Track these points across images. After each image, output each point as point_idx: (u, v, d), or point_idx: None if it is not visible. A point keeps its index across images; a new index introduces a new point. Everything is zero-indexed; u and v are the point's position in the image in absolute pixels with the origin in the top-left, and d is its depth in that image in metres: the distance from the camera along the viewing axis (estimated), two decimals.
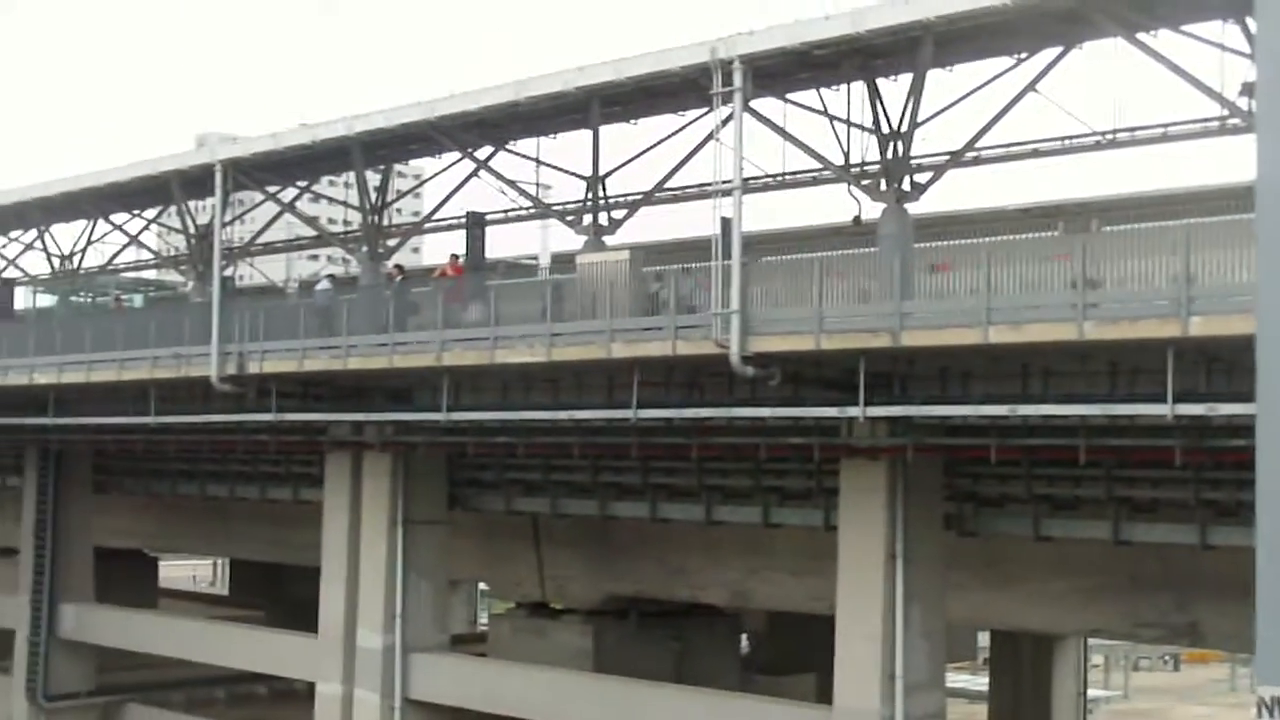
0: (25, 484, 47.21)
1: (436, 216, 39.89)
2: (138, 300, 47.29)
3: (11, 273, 49.98)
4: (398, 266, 35.16)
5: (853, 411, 24.82)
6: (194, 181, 37.46)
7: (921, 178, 26.55)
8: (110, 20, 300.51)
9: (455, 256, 33.14)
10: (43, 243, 46.94)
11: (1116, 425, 23.68)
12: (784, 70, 26.28)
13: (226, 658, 43.56)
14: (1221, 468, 24.38)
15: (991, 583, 30.69)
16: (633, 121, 31.65)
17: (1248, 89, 22.16)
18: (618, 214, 32.01)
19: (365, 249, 35.27)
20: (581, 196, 32.39)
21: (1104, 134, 28.10)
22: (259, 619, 51.22)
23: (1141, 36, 23.10)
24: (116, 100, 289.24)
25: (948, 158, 27.41)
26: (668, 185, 32.46)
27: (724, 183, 25.33)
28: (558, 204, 35.09)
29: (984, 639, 51.03)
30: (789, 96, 27.80)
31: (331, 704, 36.28)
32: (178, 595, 62.01)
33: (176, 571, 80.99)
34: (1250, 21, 21.06)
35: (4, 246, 48.97)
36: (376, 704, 35.18)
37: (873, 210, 26.60)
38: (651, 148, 32.24)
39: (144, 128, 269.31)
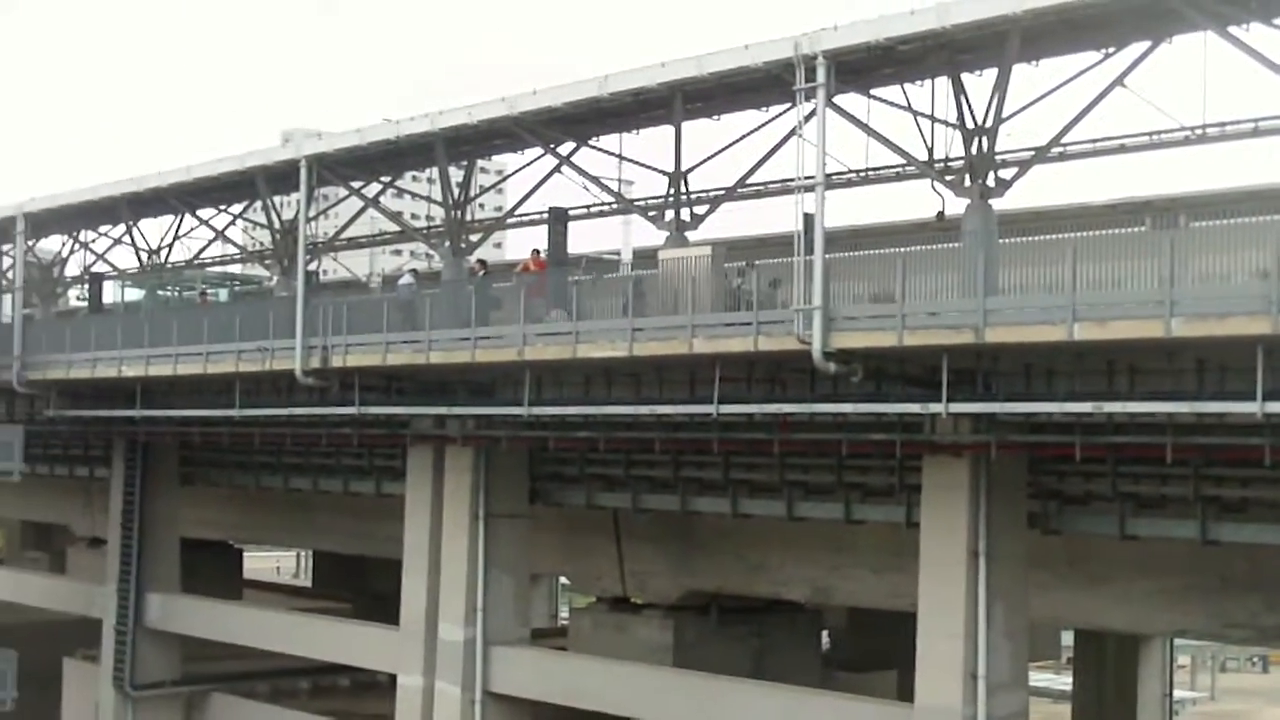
0: (113, 475, 47.79)
1: (519, 212, 40.05)
2: (223, 295, 47.83)
3: (100, 267, 50.65)
4: (480, 261, 35.27)
5: (935, 408, 24.71)
6: (279, 177, 37.86)
7: (1006, 173, 26.33)
8: (201, 18, 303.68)
9: (537, 252, 33.24)
10: (131, 238, 47.49)
11: (1204, 423, 23.42)
12: (868, 65, 26.15)
13: (309, 649, 43.96)
14: None
15: (1075, 582, 30.39)
16: (715, 117, 31.59)
17: None
18: (700, 210, 31.99)
19: (448, 244, 35.42)
20: (664, 192, 32.38)
21: (1193, 129, 27.73)
22: (342, 611, 51.57)
23: (1232, 30, 22.80)
24: (204, 97, 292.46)
25: (1033, 153, 27.15)
26: (750, 181, 32.45)
27: (806, 178, 25.24)
28: (640, 200, 35.11)
29: (1068, 638, 50.64)
30: (872, 92, 27.66)
31: (413, 696, 36.48)
32: (262, 586, 62.47)
33: (261, 563, 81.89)
34: None
35: (94, 241, 49.64)
36: (457, 697, 35.35)
37: (957, 206, 26.45)
38: (734, 143, 32.12)
39: (230, 124, 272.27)
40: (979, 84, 26.05)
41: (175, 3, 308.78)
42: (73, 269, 52.11)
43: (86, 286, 51.07)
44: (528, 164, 35.84)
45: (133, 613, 46.36)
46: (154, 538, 47.06)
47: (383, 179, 39.36)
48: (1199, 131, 27.85)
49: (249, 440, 42.41)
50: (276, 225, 40.68)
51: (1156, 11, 23.18)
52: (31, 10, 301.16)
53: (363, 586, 56.47)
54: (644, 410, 30.02)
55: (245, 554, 60.49)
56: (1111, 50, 25.60)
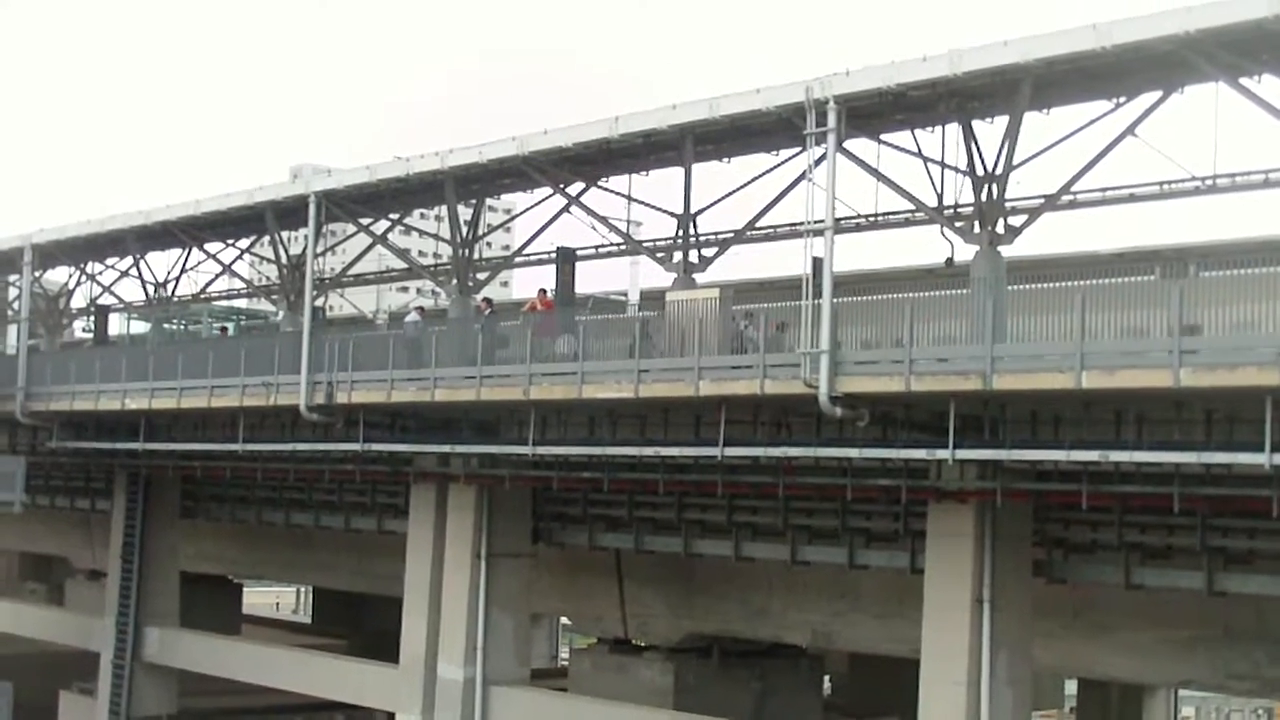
0: (114, 508, 47.71)
1: (527, 251, 40.08)
2: (230, 329, 47.79)
3: (107, 299, 50.63)
4: (486, 300, 35.28)
5: (942, 454, 24.61)
6: (288, 212, 37.89)
7: (1016, 220, 26.35)
8: (212, 52, 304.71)
9: (544, 291, 33.23)
10: (138, 270, 47.52)
11: (1212, 474, 23.34)
12: (879, 111, 26.22)
13: (308, 686, 43.74)
14: None
15: (1080, 631, 30.26)
16: (725, 160, 31.66)
17: None
18: (708, 252, 32.01)
19: (455, 282, 35.43)
20: (672, 234, 32.39)
21: (1203, 179, 27.75)
22: (341, 648, 51.40)
23: (1244, 81, 22.85)
24: (213, 131, 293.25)
25: (1043, 201, 27.16)
26: (759, 224, 32.42)
27: (816, 222, 25.23)
28: (648, 241, 35.13)
29: (1071, 687, 50.38)
30: (883, 137, 27.70)
31: None
32: (261, 622, 62.30)
33: (260, 598, 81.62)
34: None
35: (101, 273, 49.67)
36: None
37: (966, 252, 26.43)
38: (743, 186, 32.23)
39: (239, 159, 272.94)
40: (989, 131, 26.11)
41: (186, 38, 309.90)
42: (79, 301, 52.16)
43: (92, 318, 51.05)
44: (536, 203, 36.02)
45: (131, 646, 46.22)
46: (154, 571, 46.95)
47: (391, 216, 39.39)
48: (1209, 182, 27.84)
49: (251, 475, 42.34)
50: (284, 260, 40.70)
51: (1168, 62, 23.21)
52: (40, 39, 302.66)
53: (362, 624, 56.37)
54: (648, 451, 29.94)
55: (245, 589, 60.28)
56: (1123, 100, 25.69)
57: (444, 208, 35.32)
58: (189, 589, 48.46)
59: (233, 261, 47.03)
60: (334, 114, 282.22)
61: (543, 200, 35.48)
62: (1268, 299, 20.81)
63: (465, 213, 36.03)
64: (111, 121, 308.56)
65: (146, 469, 45.68)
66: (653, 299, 34.09)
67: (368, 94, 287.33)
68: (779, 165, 30.74)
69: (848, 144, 25.85)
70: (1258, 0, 20.78)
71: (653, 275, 39.49)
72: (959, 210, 27.24)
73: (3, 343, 52.43)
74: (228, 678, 45.63)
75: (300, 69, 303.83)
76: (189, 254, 46.10)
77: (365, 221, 38.87)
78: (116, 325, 51.37)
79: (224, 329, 46.57)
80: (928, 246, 29.94)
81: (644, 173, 33.04)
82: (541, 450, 31.45)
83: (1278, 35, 21.31)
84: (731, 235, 32.65)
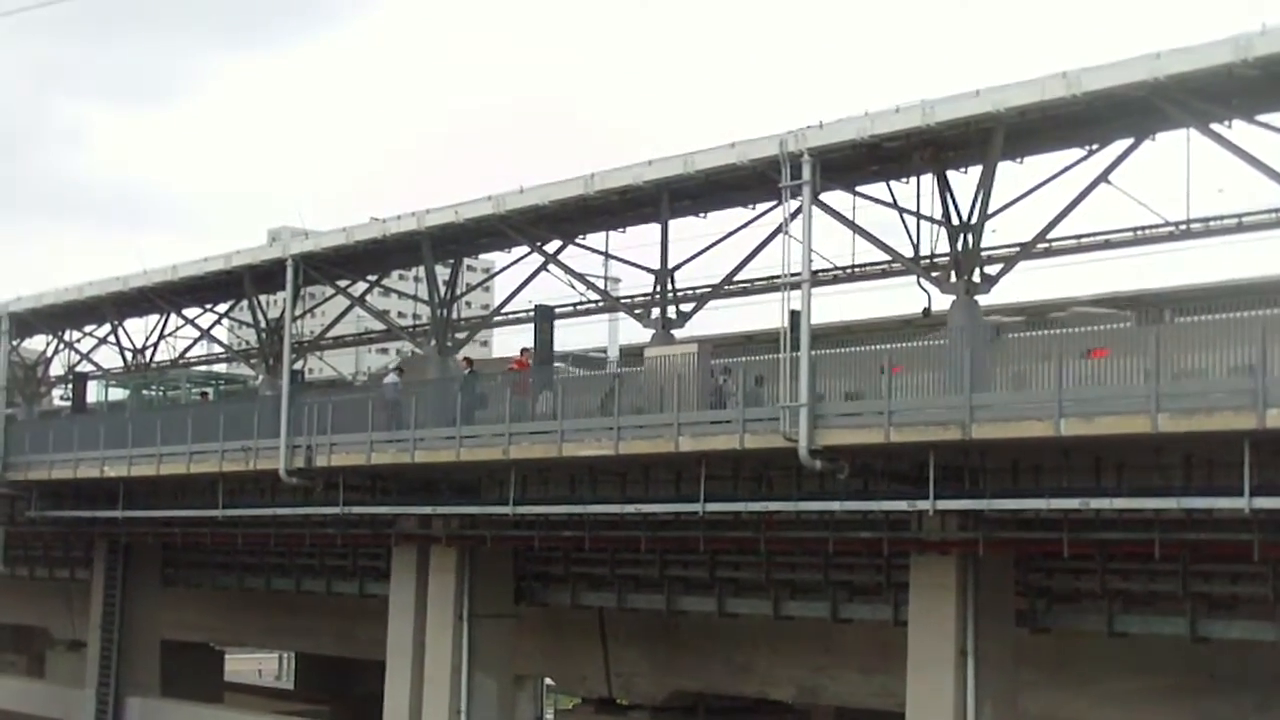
0: (94, 577, 47.40)
1: (506, 310, 40.07)
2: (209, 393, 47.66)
3: (85, 367, 50.48)
4: (467, 359, 35.24)
5: (923, 505, 24.65)
6: (266, 275, 37.89)
7: (992, 269, 26.41)
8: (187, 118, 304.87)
9: (525, 350, 33.21)
10: (116, 337, 47.41)
11: (1192, 519, 23.31)
12: (853, 163, 26.32)
13: None
14: None
15: (1064, 681, 30.08)
16: (702, 215, 31.71)
17: None
18: (686, 307, 32.02)
19: (434, 342, 35.38)
20: (650, 290, 32.42)
21: (1177, 224, 27.91)
22: (324, 714, 50.99)
23: (1215, 127, 22.98)
24: (188, 195, 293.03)
25: (1018, 249, 27.25)
26: (736, 278, 32.48)
27: (793, 275, 25.26)
28: (626, 297, 35.16)
29: None
30: (858, 189, 27.78)
31: None
32: (243, 689, 61.78)
33: (242, 665, 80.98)
34: None
35: (78, 341, 49.54)
36: None
37: (943, 302, 26.47)
38: (720, 241, 32.26)
39: (217, 222, 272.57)
40: (964, 181, 26.19)
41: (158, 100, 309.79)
42: (57, 369, 51.98)
43: (70, 386, 50.89)
44: (514, 262, 35.98)
45: (112, 717, 45.78)
46: (134, 640, 46.59)
47: (369, 277, 39.39)
48: (1183, 227, 28.00)
49: (232, 540, 42.14)
50: (262, 324, 40.64)
51: (1139, 109, 23.35)
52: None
53: (346, 689, 55.87)
54: (629, 509, 29.88)
55: (226, 656, 59.84)
56: (1095, 147, 25.80)
57: (422, 268, 35.31)
58: (170, 657, 48.07)
59: (211, 326, 47.04)
60: (311, 174, 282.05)
61: (521, 258, 35.49)
62: (1242, 343, 20.82)
63: (443, 272, 36.02)
64: (88, 185, 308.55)
65: (126, 536, 45.43)
66: (632, 355, 34.12)
67: (344, 153, 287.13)
68: (755, 219, 30.81)
69: (823, 196, 25.94)
70: (1224, 46, 20.98)
71: (632, 331, 39.58)
72: (935, 260, 27.30)
73: None
74: None
75: (277, 129, 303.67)
76: (167, 320, 45.97)
77: (343, 283, 38.82)
78: (94, 392, 51.21)
79: (204, 394, 46.42)
80: (905, 297, 30.02)
81: (621, 229, 33.09)
82: (522, 510, 31.38)
83: (1246, 80, 21.49)
84: (709, 290, 32.69)
